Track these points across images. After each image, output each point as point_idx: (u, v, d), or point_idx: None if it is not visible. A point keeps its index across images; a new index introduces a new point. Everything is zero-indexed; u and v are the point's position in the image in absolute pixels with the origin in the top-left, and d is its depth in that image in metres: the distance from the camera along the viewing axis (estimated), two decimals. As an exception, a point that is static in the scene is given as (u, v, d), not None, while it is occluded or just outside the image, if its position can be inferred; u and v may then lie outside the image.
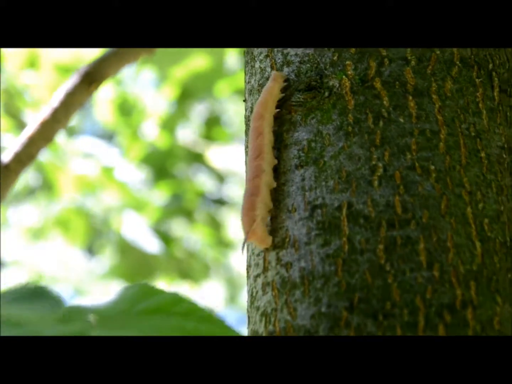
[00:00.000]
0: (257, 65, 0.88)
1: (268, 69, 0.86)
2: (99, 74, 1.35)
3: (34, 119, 1.34)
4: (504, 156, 0.81)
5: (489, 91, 0.82)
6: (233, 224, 3.49)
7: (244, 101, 0.90)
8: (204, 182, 3.45)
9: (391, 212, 0.76)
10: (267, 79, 0.85)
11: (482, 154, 0.80)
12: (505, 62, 0.85)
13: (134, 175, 3.31)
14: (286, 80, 0.84)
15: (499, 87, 0.83)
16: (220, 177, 3.45)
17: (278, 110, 0.83)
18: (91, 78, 1.35)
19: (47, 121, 1.34)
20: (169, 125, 3.23)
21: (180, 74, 2.83)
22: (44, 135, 1.34)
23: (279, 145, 0.83)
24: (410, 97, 0.80)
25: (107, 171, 3.14)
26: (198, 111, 3.49)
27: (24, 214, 3.59)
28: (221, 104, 3.58)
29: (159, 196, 3.31)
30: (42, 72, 2.85)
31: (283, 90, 0.83)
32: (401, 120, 0.79)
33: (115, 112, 3.40)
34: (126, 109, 3.40)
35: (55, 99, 1.35)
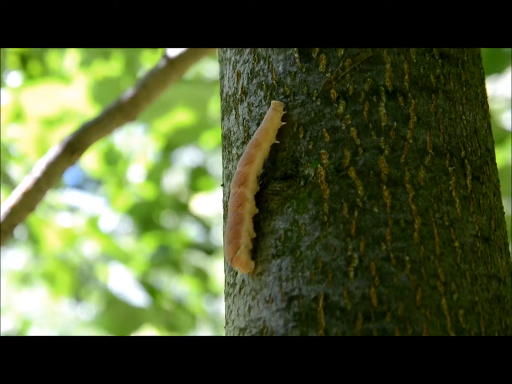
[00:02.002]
0: (234, 151, 0.89)
1: (245, 156, 0.87)
2: (81, 144, 1.36)
3: (16, 190, 1.35)
4: (478, 244, 0.82)
5: (461, 179, 0.83)
6: (221, 273, 3.49)
7: (222, 185, 0.91)
8: (190, 231, 3.46)
9: (367, 304, 0.77)
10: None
11: (456, 244, 0.80)
12: (477, 149, 0.86)
13: (120, 225, 3.31)
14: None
15: (471, 174, 0.84)
16: (207, 226, 3.45)
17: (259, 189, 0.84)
18: (73, 148, 1.36)
19: (29, 191, 1.35)
20: (155, 175, 3.24)
21: (165, 127, 2.85)
22: (26, 205, 1.34)
23: (257, 233, 0.83)
24: (384, 187, 0.81)
25: (93, 222, 3.14)
26: (183, 161, 3.51)
27: (11, 259, 3.58)
28: (206, 154, 3.60)
29: (146, 247, 3.30)
30: (28, 126, 2.86)
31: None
32: (376, 210, 0.80)
33: (101, 161, 3.41)
34: (112, 158, 3.41)
35: (37, 169, 1.36)
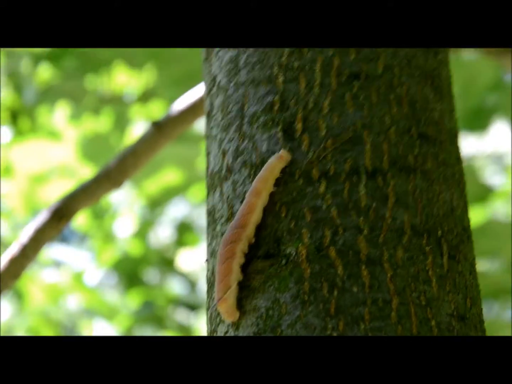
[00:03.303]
0: (218, 228, 0.91)
1: (229, 233, 0.89)
2: (68, 210, 1.38)
3: (3, 256, 1.36)
4: (454, 323, 0.84)
5: (438, 258, 0.86)
6: (205, 329, 3.48)
7: (206, 261, 0.93)
8: (175, 287, 3.46)
9: (346, 384, 0.78)
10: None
11: (433, 323, 0.83)
12: (454, 228, 0.89)
13: (105, 280, 3.31)
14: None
15: (448, 253, 0.87)
16: (192, 282, 3.46)
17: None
18: (61, 214, 1.38)
19: (16, 258, 1.36)
20: (141, 230, 3.25)
21: (152, 188, 2.88)
22: (12, 272, 1.36)
23: (239, 311, 0.85)
24: (363, 266, 0.83)
25: (77, 277, 3.15)
26: (170, 215, 3.53)
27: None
28: (193, 207, 3.63)
29: (130, 302, 3.31)
30: (16, 181, 2.89)
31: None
32: (355, 289, 0.82)
33: (87, 216, 3.43)
34: (99, 213, 3.43)
35: (24, 236, 1.37)
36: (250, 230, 0.86)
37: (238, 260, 0.84)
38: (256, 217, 0.86)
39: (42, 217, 1.38)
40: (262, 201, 0.87)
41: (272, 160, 0.87)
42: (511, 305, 3.01)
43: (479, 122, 3.08)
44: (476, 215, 2.95)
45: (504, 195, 3.55)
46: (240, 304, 0.85)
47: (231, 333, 0.85)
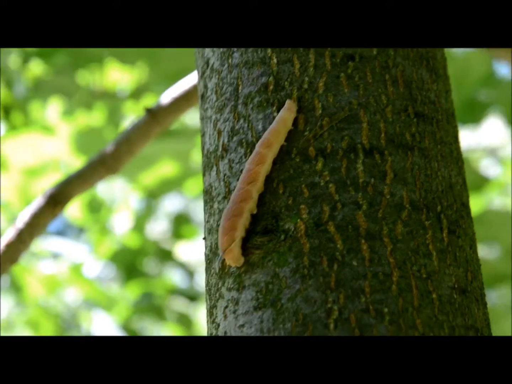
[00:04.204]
0: (215, 205, 0.91)
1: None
2: (63, 196, 1.38)
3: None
4: (455, 296, 0.84)
5: (438, 233, 0.86)
6: (204, 320, 3.49)
7: (203, 239, 0.93)
8: (174, 278, 3.46)
9: (347, 357, 0.78)
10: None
11: (434, 296, 0.82)
12: (453, 204, 0.89)
13: (104, 272, 3.31)
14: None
15: (447, 228, 0.87)
16: (190, 272, 3.46)
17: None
18: (56, 200, 1.37)
19: (12, 243, 1.36)
20: (138, 223, 3.25)
21: (148, 180, 2.87)
22: (9, 256, 1.35)
23: (238, 286, 0.85)
24: (363, 241, 0.83)
25: (76, 269, 3.14)
26: (167, 208, 3.53)
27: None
28: (189, 201, 3.62)
29: (129, 293, 3.30)
30: (11, 175, 2.88)
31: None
32: (355, 263, 0.82)
33: (83, 209, 3.42)
34: (95, 206, 3.42)
35: (20, 221, 1.37)
36: (260, 183, 0.86)
37: (244, 220, 0.84)
38: (266, 168, 0.86)
39: (37, 203, 1.37)
40: (272, 153, 0.86)
41: (283, 113, 0.87)
42: (511, 292, 3.02)
43: (473, 115, 3.09)
44: (473, 205, 2.95)
45: (499, 186, 3.56)
46: (240, 279, 0.85)
47: (230, 307, 0.85)
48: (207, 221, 0.93)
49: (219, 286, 0.87)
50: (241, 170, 0.89)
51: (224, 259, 0.85)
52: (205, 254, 0.92)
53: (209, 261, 0.90)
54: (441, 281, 0.83)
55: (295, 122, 0.88)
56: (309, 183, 0.86)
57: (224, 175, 0.91)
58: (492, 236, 3.02)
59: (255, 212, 0.85)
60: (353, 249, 0.83)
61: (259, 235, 0.85)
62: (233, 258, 0.84)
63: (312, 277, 0.82)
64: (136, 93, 2.96)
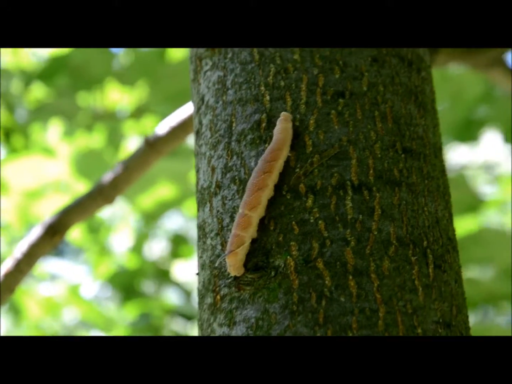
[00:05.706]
0: (208, 241, 0.93)
1: (219, 246, 0.91)
2: (62, 225, 1.40)
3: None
4: (440, 330, 0.86)
5: (424, 268, 0.88)
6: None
7: (196, 274, 0.95)
8: (171, 297, 3.48)
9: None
10: (218, 256, 0.91)
11: (419, 330, 0.85)
12: (439, 239, 0.91)
13: (102, 293, 3.33)
14: (292, 147, 0.91)
15: (433, 263, 0.89)
16: (187, 292, 3.48)
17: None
18: (54, 230, 1.40)
19: (10, 273, 1.38)
20: (136, 243, 3.27)
21: (147, 202, 2.90)
22: (7, 286, 1.37)
23: (229, 322, 0.87)
24: (351, 277, 0.85)
25: (74, 290, 3.16)
26: (165, 227, 3.55)
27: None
28: (188, 219, 3.64)
29: (127, 314, 3.32)
30: (11, 197, 2.90)
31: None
32: (342, 299, 0.84)
33: (82, 230, 3.44)
34: (94, 227, 3.45)
35: (18, 251, 1.39)
36: (270, 191, 0.88)
37: (259, 212, 0.87)
38: (275, 178, 0.89)
39: (35, 233, 1.40)
40: (280, 164, 0.89)
41: (282, 125, 0.90)
42: (511, 312, 3.03)
43: (470, 133, 3.11)
44: (469, 224, 2.97)
45: (495, 204, 3.58)
46: (232, 315, 0.87)
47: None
48: (200, 257, 0.95)
49: (211, 321, 0.89)
50: (234, 207, 0.91)
51: (224, 260, 0.87)
52: (198, 289, 0.94)
53: (202, 296, 0.93)
54: (426, 316, 0.86)
55: (287, 159, 0.91)
56: (299, 220, 0.88)
57: (217, 211, 0.93)
58: (488, 255, 3.04)
59: (263, 215, 0.88)
60: (341, 285, 0.85)
61: (250, 272, 0.88)
62: (235, 263, 0.86)
63: (301, 313, 0.84)
64: (137, 113, 2.99)
